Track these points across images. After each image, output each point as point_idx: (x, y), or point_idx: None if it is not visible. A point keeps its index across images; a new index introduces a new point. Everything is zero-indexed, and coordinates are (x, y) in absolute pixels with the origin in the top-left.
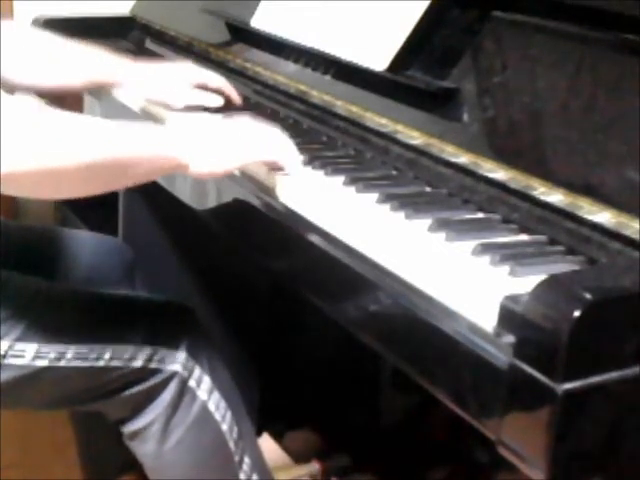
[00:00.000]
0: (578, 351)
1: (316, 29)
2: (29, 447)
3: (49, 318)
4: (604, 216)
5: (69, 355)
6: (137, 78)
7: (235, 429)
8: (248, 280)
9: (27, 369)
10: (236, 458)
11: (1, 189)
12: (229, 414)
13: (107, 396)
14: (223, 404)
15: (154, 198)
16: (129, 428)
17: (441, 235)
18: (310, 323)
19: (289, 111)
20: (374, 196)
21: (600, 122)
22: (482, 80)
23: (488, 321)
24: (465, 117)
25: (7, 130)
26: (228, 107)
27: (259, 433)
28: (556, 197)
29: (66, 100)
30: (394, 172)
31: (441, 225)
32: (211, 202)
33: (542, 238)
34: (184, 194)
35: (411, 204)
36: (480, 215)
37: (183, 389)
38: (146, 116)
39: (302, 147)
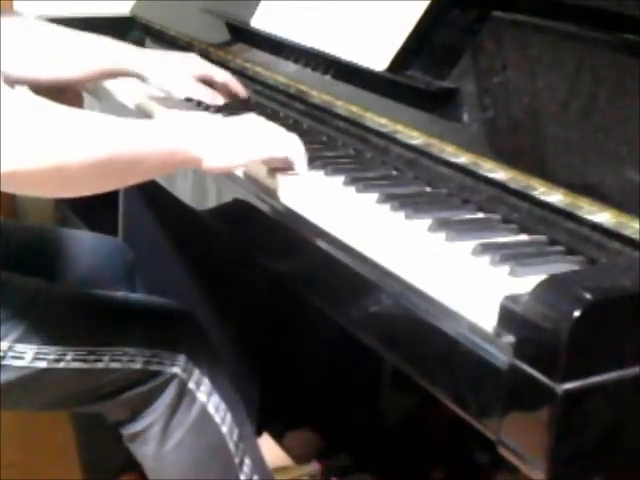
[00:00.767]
0: (578, 351)
1: (316, 29)
2: (29, 447)
3: (49, 319)
4: (604, 216)
5: (69, 357)
6: (144, 65)
7: (235, 431)
8: (248, 280)
9: (26, 370)
10: (236, 460)
11: (9, 187)
12: (229, 416)
13: (106, 398)
14: (223, 406)
15: (154, 198)
16: (129, 430)
17: (441, 235)
18: (310, 323)
19: (289, 111)
20: (374, 196)
21: (600, 122)
22: (482, 80)
23: (488, 321)
24: (465, 117)
25: (12, 127)
26: (233, 102)
27: (259, 433)
28: (556, 197)
29: (65, 100)
30: (394, 172)
31: (441, 225)
32: (211, 202)
33: (542, 238)
34: (184, 194)
35: (411, 204)
36: (480, 215)
37: (182, 391)
38: (145, 114)
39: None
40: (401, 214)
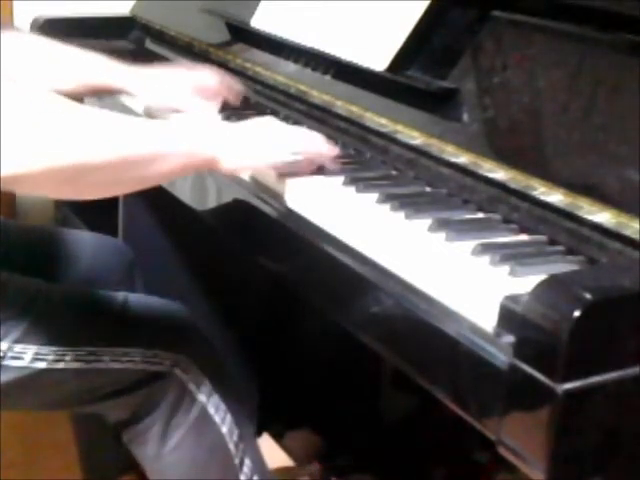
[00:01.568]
0: (578, 351)
1: (316, 29)
2: (29, 447)
3: (49, 320)
4: (604, 216)
5: (68, 357)
6: (133, 84)
7: (235, 431)
8: (248, 280)
9: (26, 371)
10: (236, 460)
11: (26, 188)
12: (229, 416)
13: (106, 398)
14: (223, 407)
15: (154, 198)
16: (129, 430)
17: (441, 235)
18: (310, 323)
19: (289, 111)
20: (374, 196)
21: (600, 122)
22: (482, 80)
23: (488, 321)
24: (465, 117)
25: (27, 127)
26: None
27: (259, 433)
28: (556, 197)
29: None
30: (394, 172)
31: (441, 225)
32: (211, 202)
33: (542, 238)
34: (184, 194)
35: (411, 204)
36: (480, 215)
37: (182, 392)
38: (147, 116)
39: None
40: (401, 214)
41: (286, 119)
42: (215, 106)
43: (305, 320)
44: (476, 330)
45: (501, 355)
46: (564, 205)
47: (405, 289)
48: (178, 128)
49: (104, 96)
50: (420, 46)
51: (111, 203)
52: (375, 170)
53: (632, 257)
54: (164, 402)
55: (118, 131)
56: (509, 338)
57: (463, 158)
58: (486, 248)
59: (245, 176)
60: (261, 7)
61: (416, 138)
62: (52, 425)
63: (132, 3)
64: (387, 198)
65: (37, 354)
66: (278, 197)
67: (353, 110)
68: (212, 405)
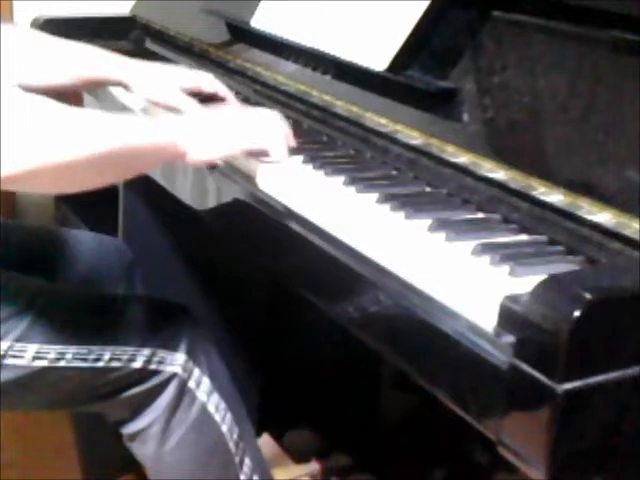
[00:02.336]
0: (578, 351)
1: (316, 29)
2: (29, 447)
3: (49, 318)
4: (604, 216)
5: (69, 356)
6: (127, 75)
7: (235, 430)
8: (248, 280)
9: (27, 369)
10: (236, 459)
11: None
12: (229, 415)
13: (106, 397)
14: (223, 405)
15: (154, 198)
16: (129, 429)
17: (441, 235)
18: (310, 323)
19: (289, 111)
20: (374, 196)
21: (600, 122)
22: (482, 80)
23: (488, 321)
24: (465, 117)
25: (22, 129)
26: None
27: (259, 433)
28: (556, 197)
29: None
30: (394, 172)
31: (441, 225)
32: (211, 202)
33: (542, 238)
34: (184, 194)
35: (411, 204)
36: (480, 215)
37: (182, 390)
38: (145, 115)
39: (302, 147)
40: (401, 214)
41: (286, 119)
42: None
43: (305, 320)
44: (476, 330)
45: (501, 355)
46: (564, 205)
47: (405, 289)
48: (152, 123)
49: (103, 95)
50: (420, 46)
51: (111, 203)
52: (375, 170)
53: (632, 257)
54: (164, 401)
55: (95, 128)
56: (509, 338)
57: (463, 158)
58: (486, 248)
59: (242, 175)
60: (261, 7)
61: (416, 138)
62: (52, 425)
63: (132, 3)
64: (387, 198)
65: (38, 353)
66: (278, 197)
67: (353, 110)
68: (212, 404)
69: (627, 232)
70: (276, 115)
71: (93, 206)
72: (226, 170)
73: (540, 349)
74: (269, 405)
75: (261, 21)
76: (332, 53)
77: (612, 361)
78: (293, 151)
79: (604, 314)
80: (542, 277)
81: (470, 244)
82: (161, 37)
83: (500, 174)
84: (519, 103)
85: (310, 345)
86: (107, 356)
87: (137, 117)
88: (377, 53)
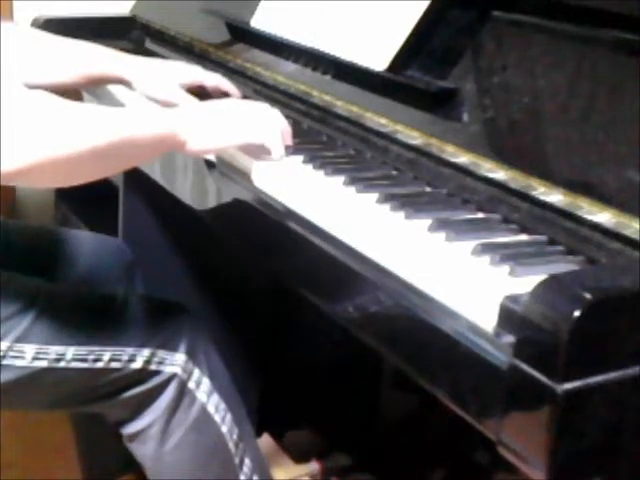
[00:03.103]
0: (578, 351)
1: (316, 29)
2: (29, 447)
3: (49, 319)
4: (604, 216)
5: (68, 356)
6: (129, 72)
7: (235, 430)
8: (248, 280)
9: (26, 370)
10: (236, 460)
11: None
12: (229, 416)
13: (106, 398)
14: (223, 406)
15: (154, 198)
16: (128, 430)
17: (441, 235)
18: (310, 323)
19: (289, 111)
20: (374, 196)
21: (600, 122)
22: (482, 80)
23: (488, 321)
24: (465, 117)
25: (23, 124)
26: None
27: (259, 433)
28: (556, 197)
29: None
30: (394, 172)
31: (441, 225)
32: (211, 202)
33: (542, 238)
34: (184, 194)
35: (411, 204)
36: (480, 215)
37: (182, 391)
38: None
39: (302, 147)
40: (401, 214)
41: (286, 119)
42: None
43: (305, 320)
44: (476, 330)
45: (501, 355)
46: (564, 205)
47: (405, 289)
48: (151, 113)
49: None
50: (420, 46)
51: (111, 203)
52: (375, 170)
53: (632, 257)
54: (164, 401)
55: (95, 120)
56: (509, 338)
57: (463, 158)
58: (486, 248)
59: (242, 175)
60: (261, 7)
61: (416, 138)
62: (52, 425)
63: (132, 3)
64: (387, 198)
65: (37, 353)
66: (278, 197)
67: (353, 110)
68: (212, 404)
69: (627, 232)
70: (275, 111)
71: (93, 206)
72: (226, 170)
73: (540, 349)
74: (269, 405)
75: (261, 21)
76: (332, 53)
77: (612, 361)
78: (293, 151)
79: (604, 314)
80: (542, 277)
81: (470, 244)
82: (161, 37)
83: (500, 174)
84: (519, 103)
85: (310, 345)
86: (107, 356)
87: (137, 108)
88: (377, 53)
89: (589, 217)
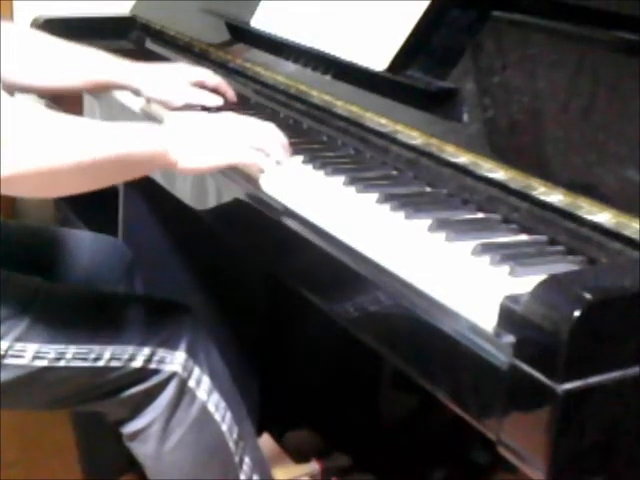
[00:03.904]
0: (578, 351)
1: (316, 29)
2: (29, 447)
3: (49, 318)
4: (604, 216)
5: (69, 355)
6: (137, 78)
7: (235, 429)
8: (248, 280)
9: (27, 369)
10: (236, 459)
11: (7, 190)
12: (229, 414)
13: (107, 396)
14: (223, 404)
15: (154, 198)
16: (129, 429)
17: (441, 235)
18: (310, 323)
19: (289, 111)
20: (374, 196)
21: (600, 122)
22: (482, 80)
23: (488, 321)
24: (465, 117)
25: (10, 133)
26: (224, 105)
27: (259, 433)
28: (556, 197)
29: (65, 101)
30: (394, 172)
31: (441, 225)
32: (211, 202)
33: (542, 238)
34: (184, 194)
35: (411, 204)
36: (480, 215)
37: (182, 389)
38: (146, 116)
39: (302, 147)
40: (401, 214)
41: (286, 119)
42: (218, 98)
43: (305, 320)
44: (476, 330)
45: (501, 355)
46: (564, 205)
47: (405, 289)
48: (143, 130)
49: (102, 95)
50: (420, 46)
51: (111, 203)
52: (375, 170)
53: (632, 257)
54: (164, 400)
55: (87, 135)
56: (509, 338)
57: (463, 158)
58: (486, 248)
59: (242, 175)
60: (261, 7)
61: (416, 138)
62: (52, 425)
63: (132, 3)
64: (387, 198)
65: (38, 352)
66: (278, 197)
67: (353, 110)
68: (212, 403)
69: (627, 232)
70: (270, 126)
71: (93, 206)
72: (226, 170)
73: (540, 349)
74: (269, 405)
75: (261, 21)
76: (332, 53)
77: (612, 361)
78: (293, 151)
79: (604, 314)
80: (542, 277)
81: (470, 244)
82: (161, 37)
83: (500, 174)
84: (519, 103)
85: (310, 345)
86: (107, 355)
87: (130, 124)
88: (377, 53)
89: (589, 217)
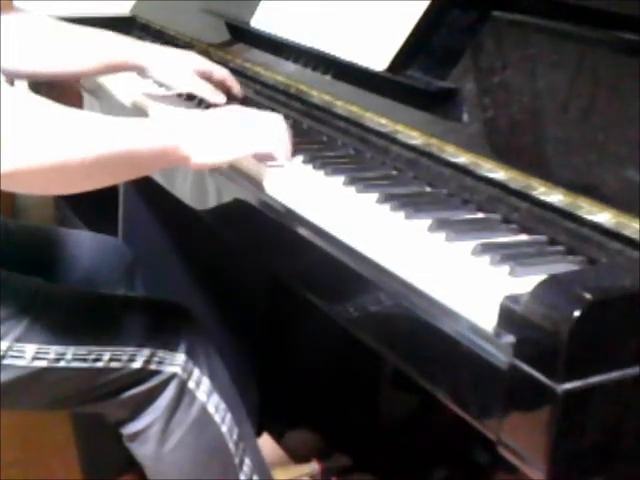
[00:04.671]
0: (578, 351)
1: (316, 29)
2: (29, 447)
3: (49, 319)
4: (604, 216)
5: (68, 356)
6: (145, 57)
7: (235, 430)
8: (248, 280)
9: (26, 370)
10: (236, 460)
11: (11, 186)
12: (229, 415)
13: (106, 397)
14: (222, 405)
15: (154, 198)
16: (128, 429)
17: (441, 235)
18: (310, 323)
19: (289, 111)
20: (374, 196)
21: (600, 122)
22: (482, 80)
23: (488, 321)
24: (465, 117)
25: (15, 127)
26: (229, 99)
27: (259, 433)
28: (556, 197)
29: (65, 100)
30: (394, 172)
31: (441, 225)
32: (211, 202)
33: (542, 238)
34: (184, 194)
35: (411, 204)
36: (480, 215)
37: (182, 390)
38: (143, 114)
39: (302, 147)
40: (401, 214)
41: (286, 119)
42: (222, 94)
43: (305, 320)
44: (476, 330)
45: (501, 355)
46: (564, 205)
47: (405, 289)
48: (153, 125)
49: (102, 94)
50: (420, 46)
51: (111, 203)
52: (375, 170)
53: (632, 257)
54: (164, 401)
55: (95, 129)
56: (509, 338)
57: (463, 158)
58: (486, 248)
59: (242, 175)
60: (261, 7)
61: (416, 138)
62: (52, 425)
63: (132, 3)
64: (387, 198)
65: (38, 353)
66: (278, 197)
67: (353, 110)
68: (212, 404)
69: (627, 232)
70: (279, 118)
71: (93, 206)
72: (226, 170)
73: (540, 349)
74: (269, 405)
75: (261, 21)
76: (332, 53)
77: (612, 361)
78: (293, 151)
79: (604, 314)
80: (542, 277)
81: (470, 244)
82: (161, 37)
83: (500, 174)
84: (519, 103)
85: (310, 345)
86: (107, 356)
87: (138, 119)
88: (377, 53)
89: (589, 217)
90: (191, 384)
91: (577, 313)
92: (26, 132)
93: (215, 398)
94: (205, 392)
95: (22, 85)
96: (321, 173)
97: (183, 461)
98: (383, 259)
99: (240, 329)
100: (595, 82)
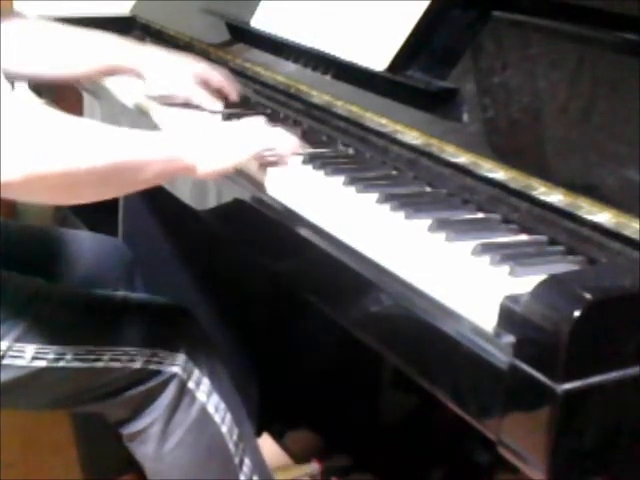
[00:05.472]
0: (578, 351)
1: (316, 29)
2: (29, 447)
3: (48, 319)
4: (604, 216)
5: (68, 356)
6: (142, 64)
7: (235, 431)
8: (248, 280)
9: (26, 369)
10: (236, 460)
11: (20, 195)
12: (229, 416)
13: (106, 397)
14: (222, 406)
15: (154, 198)
16: (128, 430)
17: (441, 235)
18: (310, 323)
19: (289, 111)
20: (374, 196)
21: (600, 122)
22: (482, 80)
23: (488, 321)
24: (465, 117)
25: (23, 136)
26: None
27: (259, 433)
28: (556, 197)
29: (66, 100)
30: (394, 172)
31: (441, 225)
32: (211, 202)
33: (542, 238)
34: (184, 194)
35: (411, 204)
36: (480, 215)
37: (182, 391)
38: (144, 114)
39: (302, 147)
40: (401, 214)
41: (286, 119)
42: (220, 102)
43: (305, 320)
44: (476, 330)
45: (501, 355)
46: (564, 205)
47: (405, 289)
48: (160, 137)
49: (102, 95)
50: (420, 46)
51: (111, 203)
52: (375, 170)
53: (632, 257)
54: (164, 401)
55: (103, 140)
56: (509, 338)
57: (463, 158)
58: (486, 248)
59: (242, 175)
60: (261, 7)
61: (416, 138)
62: (52, 425)
63: (132, 3)
64: (387, 198)
65: (37, 353)
66: (278, 197)
67: (353, 110)
68: (212, 404)
69: (627, 232)
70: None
71: (93, 207)
72: None
73: (540, 349)
74: (269, 405)
75: (261, 21)
76: (332, 53)
77: (612, 361)
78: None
79: (604, 314)
80: (542, 277)
81: (470, 244)
82: (161, 37)
83: (500, 174)
84: (519, 103)
85: (310, 345)
86: (107, 356)
87: (144, 131)
88: (377, 53)
89: (589, 217)
90: (191, 384)
91: (577, 313)
92: (35, 141)
93: (215, 398)
94: (205, 392)
95: (22, 86)
96: (321, 173)
97: (183, 461)
98: (383, 259)
99: (240, 329)
100: (595, 82)
